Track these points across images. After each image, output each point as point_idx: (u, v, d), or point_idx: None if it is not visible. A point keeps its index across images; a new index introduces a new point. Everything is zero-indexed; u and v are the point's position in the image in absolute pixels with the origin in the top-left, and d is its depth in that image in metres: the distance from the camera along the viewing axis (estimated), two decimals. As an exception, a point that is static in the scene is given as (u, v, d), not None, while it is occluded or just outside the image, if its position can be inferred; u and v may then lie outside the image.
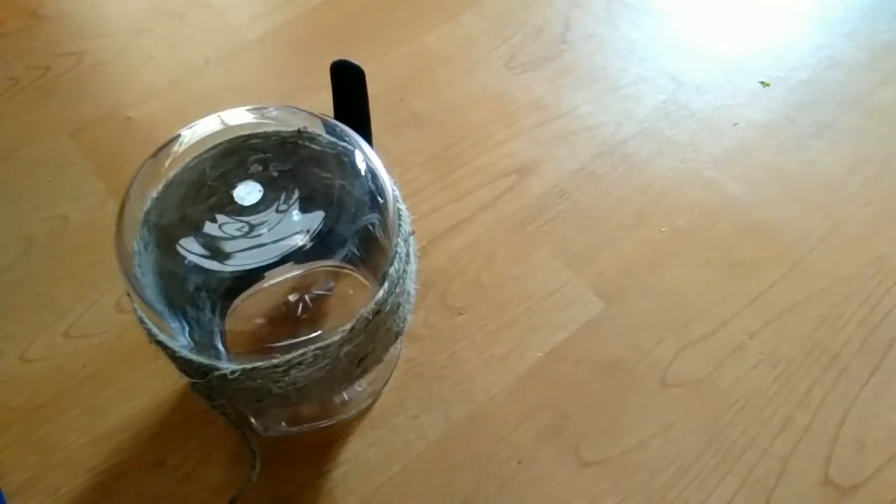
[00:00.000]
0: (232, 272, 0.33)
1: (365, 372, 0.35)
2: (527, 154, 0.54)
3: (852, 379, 0.43)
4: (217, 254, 0.33)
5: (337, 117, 0.38)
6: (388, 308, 0.33)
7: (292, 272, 0.37)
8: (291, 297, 0.37)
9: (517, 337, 0.45)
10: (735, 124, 0.56)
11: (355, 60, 0.38)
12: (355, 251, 0.35)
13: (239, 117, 0.36)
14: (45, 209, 0.52)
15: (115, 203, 0.45)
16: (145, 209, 0.34)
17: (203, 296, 0.35)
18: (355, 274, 0.38)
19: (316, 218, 0.33)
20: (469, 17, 0.64)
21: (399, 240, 0.34)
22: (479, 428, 0.42)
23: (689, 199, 0.51)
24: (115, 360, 0.44)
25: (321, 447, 0.41)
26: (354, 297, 0.38)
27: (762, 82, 0.58)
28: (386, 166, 0.36)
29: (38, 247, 0.50)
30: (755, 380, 0.43)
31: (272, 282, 0.37)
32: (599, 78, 0.59)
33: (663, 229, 0.50)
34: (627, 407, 0.42)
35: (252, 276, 0.36)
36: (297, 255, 0.33)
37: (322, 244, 0.33)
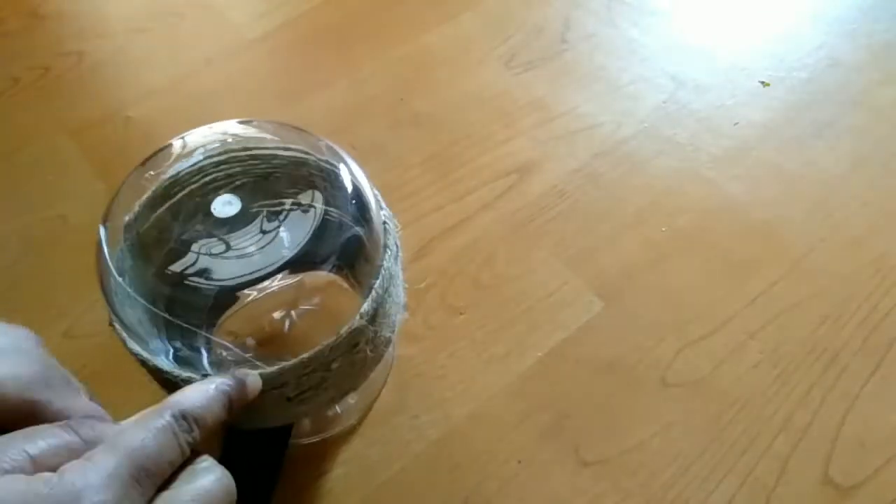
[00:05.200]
0: (215, 287, 0.32)
1: (353, 387, 0.35)
2: (527, 154, 0.54)
3: (852, 379, 0.43)
4: (201, 268, 0.32)
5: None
6: (374, 321, 0.32)
7: (278, 285, 0.36)
8: (276, 315, 0.36)
9: (517, 337, 0.45)
10: (735, 124, 0.56)
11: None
12: (341, 263, 0.35)
13: (228, 129, 0.36)
14: (45, 209, 0.52)
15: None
16: (128, 220, 0.33)
17: (187, 312, 0.35)
18: (343, 284, 0.38)
19: (300, 230, 0.32)
20: (469, 17, 0.64)
21: (386, 253, 0.33)
22: (479, 428, 0.42)
23: (689, 199, 0.51)
24: (115, 360, 0.44)
25: (321, 447, 0.41)
26: (342, 309, 0.37)
27: (762, 82, 0.58)
28: (369, 180, 0.35)
29: (38, 247, 0.50)
30: (755, 380, 0.43)
31: (259, 296, 0.36)
32: (599, 78, 0.59)
33: (663, 229, 0.50)
34: (627, 407, 0.42)
35: (237, 291, 0.35)
36: (282, 268, 0.32)
37: (307, 256, 0.32)
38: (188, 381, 0.30)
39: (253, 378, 0.29)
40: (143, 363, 0.32)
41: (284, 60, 0.63)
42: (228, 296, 0.35)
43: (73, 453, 0.22)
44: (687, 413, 0.42)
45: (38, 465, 0.21)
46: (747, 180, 0.52)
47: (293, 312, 0.36)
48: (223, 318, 0.36)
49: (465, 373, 0.43)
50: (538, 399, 0.42)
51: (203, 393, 0.26)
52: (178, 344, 0.33)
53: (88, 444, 0.23)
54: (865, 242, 0.48)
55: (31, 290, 0.48)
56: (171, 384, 0.31)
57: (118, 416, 0.27)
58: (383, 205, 0.35)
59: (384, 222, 0.34)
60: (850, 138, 0.54)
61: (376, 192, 0.35)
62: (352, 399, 0.41)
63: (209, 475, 0.24)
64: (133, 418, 0.24)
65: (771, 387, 0.42)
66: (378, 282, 0.33)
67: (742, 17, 0.63)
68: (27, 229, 0.51)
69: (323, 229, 0.33)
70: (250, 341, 0.34)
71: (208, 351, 0.35)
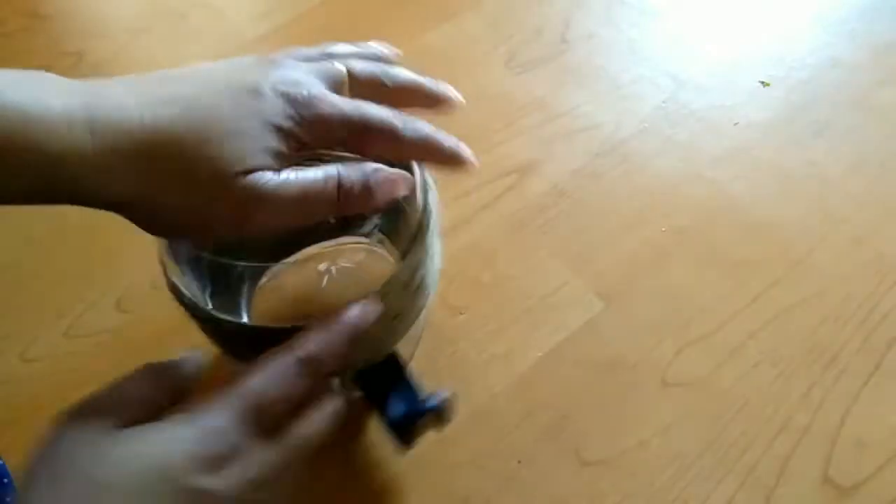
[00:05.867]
0: (260, 246, 0.32)
1: (392, 341, 0.35)
2: (527, 154, 0.54)
3: (852, 379, 0.43)
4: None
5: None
6: (409, 280, 0.33)
7: (320, 248, 0.37)
8: (320, 268, 0.37)
9: (517, 337, 0.45)
10: (735, 124, 0.56)
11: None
12: (381, 226, 0.35)
13: None
14: (45, 209, 0.52)
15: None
16: None
17: (232, 267, 0.35)
18: (382, 250, 0.38)
19: None
20: (469, 17, 0.64)
21: (424, 214, 0.34)
22: (479, 428, 0.42)
23: (689, 199, 0.51)
24: (115, 360, 0.44)
25: (320, 448, 0.41)
26: (380, 271, 0.38)
27: (762, 82, 0.58)
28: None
29: (38, 247, 0.50)
30: (755, 380, 0.43)
31: (299, 257, 0.38)
32: (599, 78, 0.59)
33: (663, 229, 0.50)
34: (627, 407, 0.42)
35: (280, 252, 0.37)
36: (324, 230, 0.32)
37: (349, 219, 0.33)
38: (229, 325, 0.31)
39: (372, 305, 0.30)
40: (193, 308, 0.32)
41: (284, 60, 0.63)
42: (272, 254, 0.36)
43: (172, 393, 0.26)
44: (687, 413, 0.42)
45: (149, 405, 0.25)
46: (747, 180, 0.52)
47: (332, 268, 0.37)
48: (264, 277, 0.37)
49: (465, 373, 0.43)
50: (538, 399, 0.42)
51: (323, 336, 0.27)
52: (218, 285, 0.34)
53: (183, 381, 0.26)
54: (865, 242, 0.48)
55: (31, 290, 0.48)
56: (212, 327, 0.32)
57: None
58: (427, 174, 0.35)
59: (426, 189, 0.35)
60: (850, 138, 0.54)
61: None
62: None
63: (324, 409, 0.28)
64: (260, 359, 0.26)
65: (771, 387, 0.42)
66: (420, 225, 0.33)
67: (742, 17, 0.63)
68: (27, 228, 0.51)
69: None
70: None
71: (248, 306, 0.36)
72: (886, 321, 0.45)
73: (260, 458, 0.24)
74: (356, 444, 0.41)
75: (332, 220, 0.31)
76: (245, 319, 0.36)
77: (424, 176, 0.35)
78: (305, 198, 0.26)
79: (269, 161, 0.25)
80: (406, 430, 0.35)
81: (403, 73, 0.32)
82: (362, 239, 0.38)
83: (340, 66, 0.29)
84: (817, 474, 0.39)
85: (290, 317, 0.37)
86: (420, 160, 0.32)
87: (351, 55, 0.31)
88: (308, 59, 0.29)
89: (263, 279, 0.38)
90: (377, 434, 0.41)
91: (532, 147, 0.55)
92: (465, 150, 0.32)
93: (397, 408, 0.35)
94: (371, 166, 0.28)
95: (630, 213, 0.51)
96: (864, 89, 0.57)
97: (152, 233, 0.27)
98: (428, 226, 0.33)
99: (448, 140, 0.31)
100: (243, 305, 0.37)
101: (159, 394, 0.25)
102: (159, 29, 0.65)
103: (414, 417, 0.35)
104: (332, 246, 0.38)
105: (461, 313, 0.46)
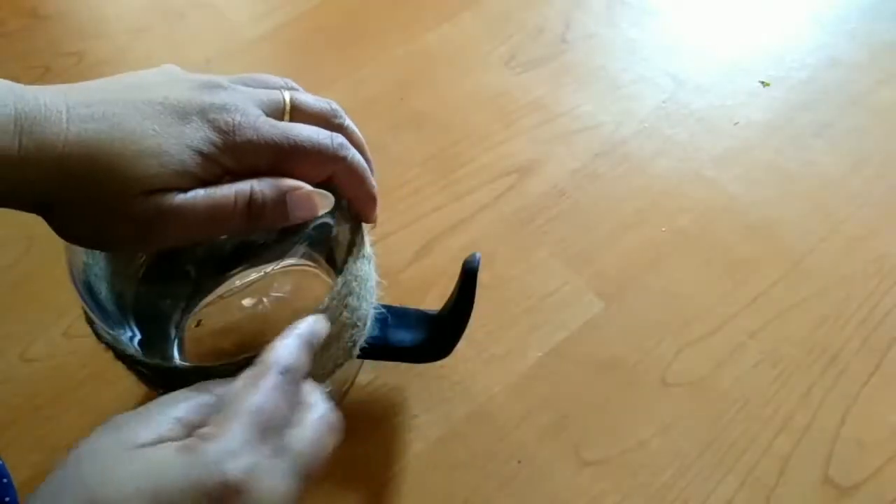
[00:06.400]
0: (186, 277, 0.32)
1: (330, 372, 0.34)
2: (527, 154, 0.54)
3: (852, 379, 0.43)
4: (172, 259, 0.32)
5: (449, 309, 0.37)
6: (344, 303, 0.32)
7: (251, 276, 0.36)
8: (246, 302, 0.36)
9: (517, 337, 0.45)
10: (735, 124, 0.56)
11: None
12: (311, 249, 0.35)
13: None
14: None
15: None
16: None
17: (159, 303, 0.34)
18: (317, 271, 0.37)
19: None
20: (469, 17, 0.64)
21: (356, 236, 0.33)
22: (479, 428, 0.42)
23: (689, 199, 0.51)
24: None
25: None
26: (314, 296, 0.37)
27: (762, 82, 0.58)
28: None
29: (38, 247, 0.50)
30: (755, 380, 0.43)
31: (231, 287, 0.36)
32: (599, 78, 0.59)
33: (663, 229, 0.50)
34: (627, 407, 0.42)
35: (208, 282, 0.36)
36: (254, 254, 0.32)
37: (278, 243, 0.32)
38: (158, 368, 0.30)
39: (320, 320, 0.30)
40: (114, 349, 0.31)
41: (284, 60, 0.63)
42: (199, 286, 0.35)
43: (210, 408, 0.26)
44: (687, 413, 0.42)
45: (184, 423, 0.25)
46: (747, 180, 0.52)
47: (264, 300, 0.36)
48: (195, 309, 0.36)
49: (465, 373, 0.43)
50: (538, 399, 0.42)
51: (292, 345, 0.28)
52: (146, 330, 0.33)
53: (219, 398, 0.26)
54: (865, 242, 0.48)
55: (31, 290, 0.48)
56: (142, 372, 0.31)
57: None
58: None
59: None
60: (850, 138, 0.54)
61: None
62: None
63: (315, 412, 0.27)
64: (241, 379, 0.26)
65: (771, 387, 0.42)
66: (352, 246, 0.32)
67: (742, 17, 0.63)
68: (27, 229, 0.51)
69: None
70: None
71: (180, 341, 0.34)
72: (886, 321, 0.45)
73: (270, 470, 0.24)
74: (356, 444, 0.41)
75: (261, 242, 0.31)
76: (176, 356, 0.35)
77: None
78: (213, 212, 0.27)
79: (180, 182, 0.26)
80: (432, 344, 0.36)
81: (355, 130, 0.33)
82: (295, 261, 0.37)
83: (283, 94, 0.30)
84: (817, 474, 0.39)
85: (229, 352, 0.35)
86: (341, 187, 0.32)
87: (307, 96, 0.31)
88: (258, 85, 0.30)
89: (191, 318, 0.37)
90: (377, 433, 0.42)
91: (532, 147, 0.55)
92: (376, 206, 0.33)
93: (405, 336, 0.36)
94: (288, 183, 0.29)
95: (630, 213, 0.51)
96: (864, 89, 0.57)
97: (67, 240, 0.28)
98: (357, 243, 0.33)
99: (371, 184, 0.32)
100: (175, 348, 0.36)
101: (198, 416, 0.26)
102: (159, 29, 0.65)
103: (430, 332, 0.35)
104: (262, 273, 0.37)
105: (461, 313, 0.46)
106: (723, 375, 0.43)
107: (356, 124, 0.33)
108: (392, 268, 0.48)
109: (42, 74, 0.62)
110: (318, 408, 0.28)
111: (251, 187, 0.28)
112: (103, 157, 0.25)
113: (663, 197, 0.51)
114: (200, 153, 0.27)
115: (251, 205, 0.27)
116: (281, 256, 0.35)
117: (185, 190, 0.26)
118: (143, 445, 0.24)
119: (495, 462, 0.40)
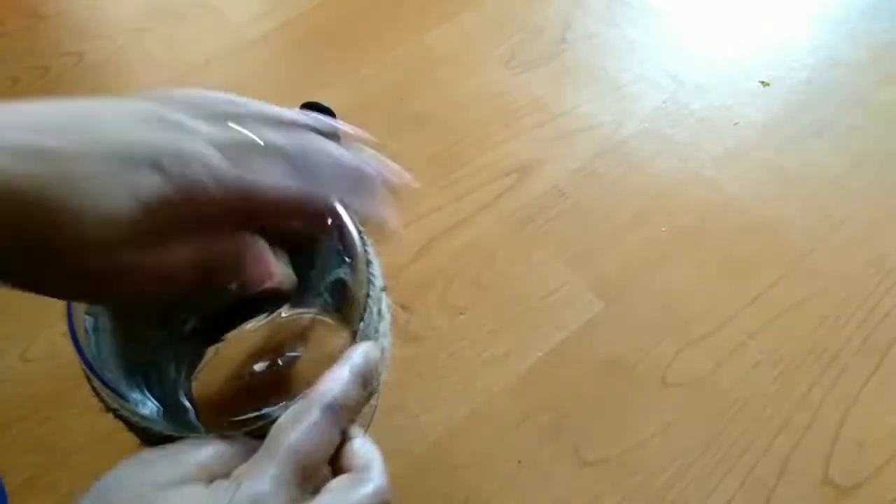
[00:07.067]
0: (197, 327, 0.31)
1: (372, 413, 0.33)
2: (527, 154, 0.54)
3: (852, 379, 0.43)
4: (180, 309, 0.31)
5: None
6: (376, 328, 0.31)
7: (262, 324, 0.33)
8: (258, 367, 0.34)
9: (517, 337, 0.45)
10: (735, 124, 0.56)
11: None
12: (329, 300, 0.33)
13: None
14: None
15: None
16: None
17: (167, 357, 0.33)
18: (330, 321, 0.36)
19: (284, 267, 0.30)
20: (469, 17, 0.64)
21: (371, 296, 0.32)
22: (479, 428, 0.42)
23: (689, 199, 0.51)
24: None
25: None
26: (329, 352, 0.36)
27: (762, 82, 0.58)
28: (353, 220, 0.33)
29: (38, 247, 0.50)
30: (755, 380, 0.43)
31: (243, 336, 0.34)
32: (599, 78, 0.59)
33: (663, 229, 0.50)
34: (627, 407, 0.42)
35: (220, 333, 0.34)
36: (268, 306, 0.31)
37: (293, 294, 0.31)
38: (167, 437, 0.28)
39: (373, 349, 0.29)
40: (122, 417, 0.30)
41: (284, 60, 0.63)
42: (211, 337, 0.33)
43: (236, 456, 0.25)
44: (687, 413, 0.42)
45: (207, 470, 0.24)
46: (747, 180, 0.52)
47: (279, 360, 0.34)
48: (205, 359, 0.34)
49: (465, 373, 0.43)
50: (538, 399, 0.42)
51: (341, 379, 0.27)
52: (157, 391, 0.31)
53: (247, 447, 0.25)
54: (865, 242, 0.48)
55: (31, 290, 0.48)
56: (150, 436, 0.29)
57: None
58: (367, 241, 0.33)
59: (368, 260, 0.33)
60: (850, 138, 0.54)
61: (360, 227, 0.33)
62: None
63: (366, 486, 0.26)
64: (284, 416, 0.25)
65: (771, 387, 0.42)
66: (367, 310, 0.31)
67: (742, 17, 0.63)
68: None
69: (310, 262, 0.31)
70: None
71: (189, 395, 0.33)
72: (886, 321, 0.45)
73: None
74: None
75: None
76: (190, 411, 0.33)
77: (368, 252, 0.33)
78: (163, 270, 0.25)
79: (129, 236, 0.23)
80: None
81: (330, 158, 0.29)
82: (309, 312, 0.35)
83: (248, 135, 0.26)
84: (817, 474, 0.39)
85: (237, 407, 0.34)
86: (317, 233, 0.29)
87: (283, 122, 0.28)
88: (226, 117, 0.26)
89: (205, 359, 0.34)
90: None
91: (532, 147, 0.55)
92: (392, 213, 0.30)
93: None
94: (246, 241, 0.26)
95: (630, 213, 0.51)
96: (864, 89, 0.57)
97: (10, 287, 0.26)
98: (370, 294, 0.31)
99: (371, 194, 0.29)
100: (183, 399, 0.34)
101: (237, 459, 0.25)
102: (159, 29, 0.65)
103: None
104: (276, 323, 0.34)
105: (461, 313, 0.46)
106: (723, 375, 0.43)
107: (356, 124, 0.32)
108: (392, 267, 0.48)
109: (42, 74, 0.62)
110: (374, 482, 0.26)
111: (206, 244, 0.25)
112: (46, 206, 0.22)
113: (663, 197, 0.51)
114: (149, 206, 0.23)
115: (204, 263, 0.25)
116: (296, 307, 0.33)
117: (136, 246, 0.24)
118: (171, 485, 0.23)
119: (495, 462, 0.40)
